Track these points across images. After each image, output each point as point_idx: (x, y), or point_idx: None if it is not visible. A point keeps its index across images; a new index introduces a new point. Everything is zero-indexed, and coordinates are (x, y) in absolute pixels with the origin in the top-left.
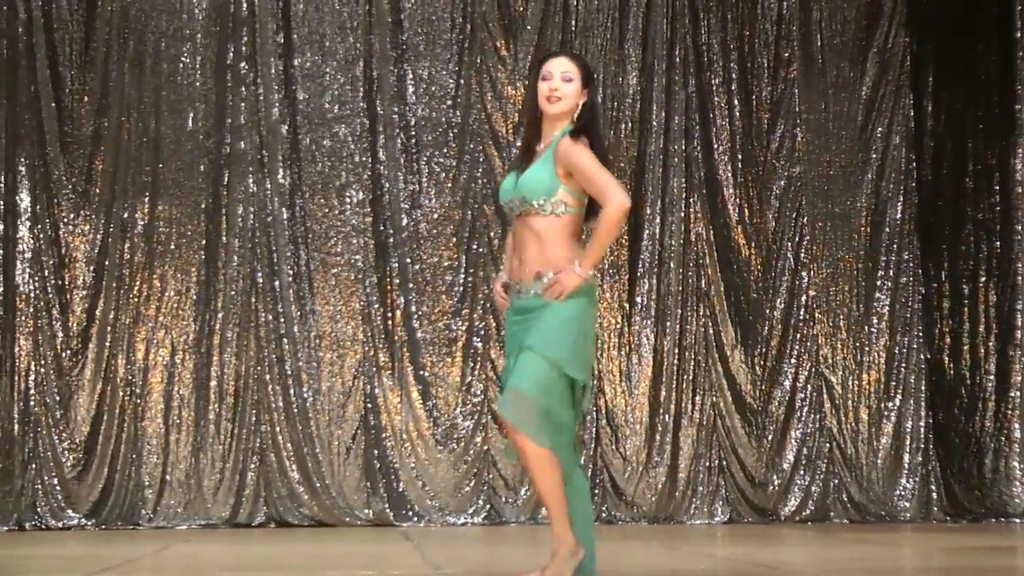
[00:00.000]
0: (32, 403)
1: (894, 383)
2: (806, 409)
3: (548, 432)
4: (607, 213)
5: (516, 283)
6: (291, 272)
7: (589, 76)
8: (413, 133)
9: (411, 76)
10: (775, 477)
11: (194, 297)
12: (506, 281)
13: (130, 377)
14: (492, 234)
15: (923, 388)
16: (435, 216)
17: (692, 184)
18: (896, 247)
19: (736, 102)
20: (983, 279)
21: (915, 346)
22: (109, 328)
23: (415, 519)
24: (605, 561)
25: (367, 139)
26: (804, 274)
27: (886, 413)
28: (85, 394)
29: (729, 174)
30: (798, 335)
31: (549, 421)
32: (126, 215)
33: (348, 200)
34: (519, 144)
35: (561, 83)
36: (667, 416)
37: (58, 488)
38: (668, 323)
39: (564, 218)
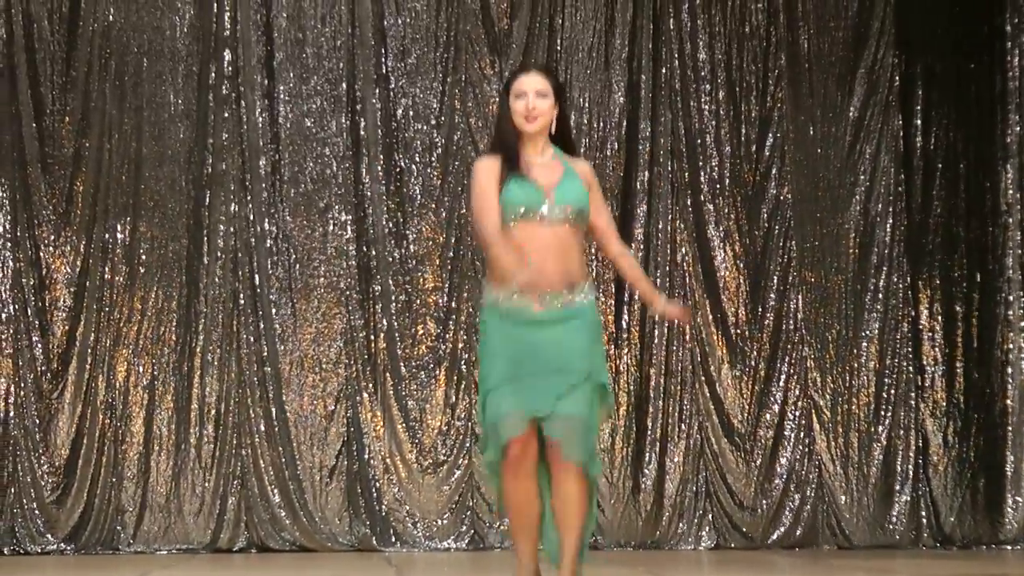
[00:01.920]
0: (11, 426)
1: (884, 408)
2: (795, 433)
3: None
4: (628, 255)
5: (536, 293)
6: (273, 294)
7: (560, 88)
8: (396, 153)
9: (394, 97)
10: (764, 502)
11: (175, 319)
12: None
13: (110, 400)
14: (475, 257)
15: (913, 413)
16: (419, 238)
17: (679, 205)
18: (886, 270)
19: (723, 123)
20: (976, 302)
21: (905, 370)
22: (89, 350)
23: (398, 544)
24: None
25: (350, 160)
26: (792, 297)
27: (876, 438)
28: (65, 417)
29: (716, 195)
30: (787, 358)
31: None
32: (107, 236)
33: (331, 222)
34: (497, 153)
35: (537, 100)
36: (653, 440)
37: (37, 512)
38: (655, 346)
39: (581, 232)
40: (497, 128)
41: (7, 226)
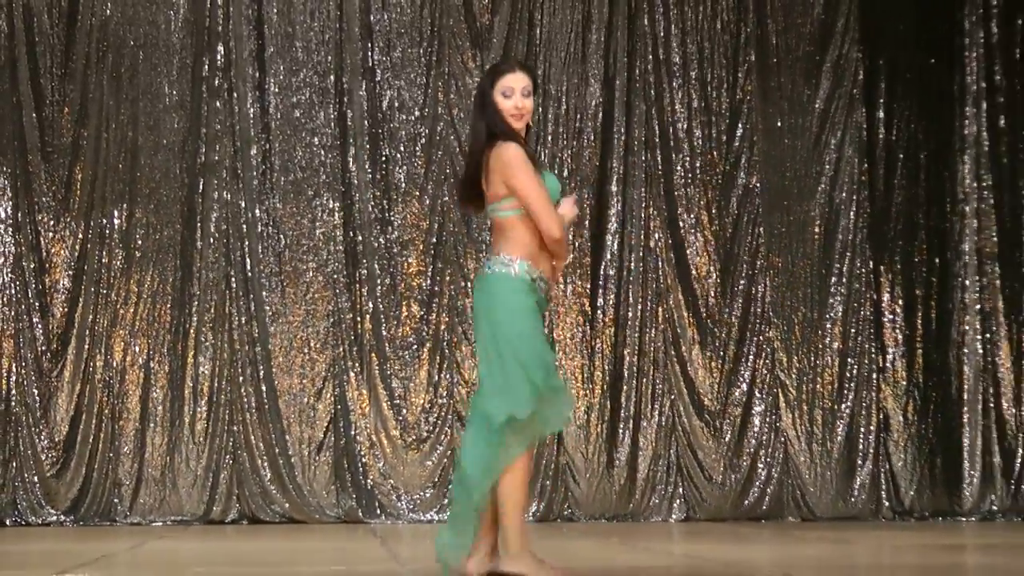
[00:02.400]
0: (13, 403)
1: (847, 386)
2: (762, 411)
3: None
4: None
5: (546, 278)
6: (264, 277)
7: (537, 85)
8: (382, 143)
9: (380, 89)
10: (732, 476)
11: (170, 301)
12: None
13: (108, 378)
14: (458, 242)
15: (875, 392)
16: (404, 224)
17: (652, 193)
18: (849, 255)
19: (695, 114)
20: (935, 287)
21: (867, 350)
22: (88, 331)
23: (383, 516)
24: (565, 558)
25: (338, 149)
26: (760, 281)
27: (839, 415)
28: (64, 394)
29: (688, 184)
30: (754, 339)
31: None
32: (104, 222)
33: (319, 208)
34: (523, 144)
35: (523, 99)
36: (627, 417)
37: (38, 485)
38: (628, 327)
39: None
40: (491, 119)
41: (8, 211)
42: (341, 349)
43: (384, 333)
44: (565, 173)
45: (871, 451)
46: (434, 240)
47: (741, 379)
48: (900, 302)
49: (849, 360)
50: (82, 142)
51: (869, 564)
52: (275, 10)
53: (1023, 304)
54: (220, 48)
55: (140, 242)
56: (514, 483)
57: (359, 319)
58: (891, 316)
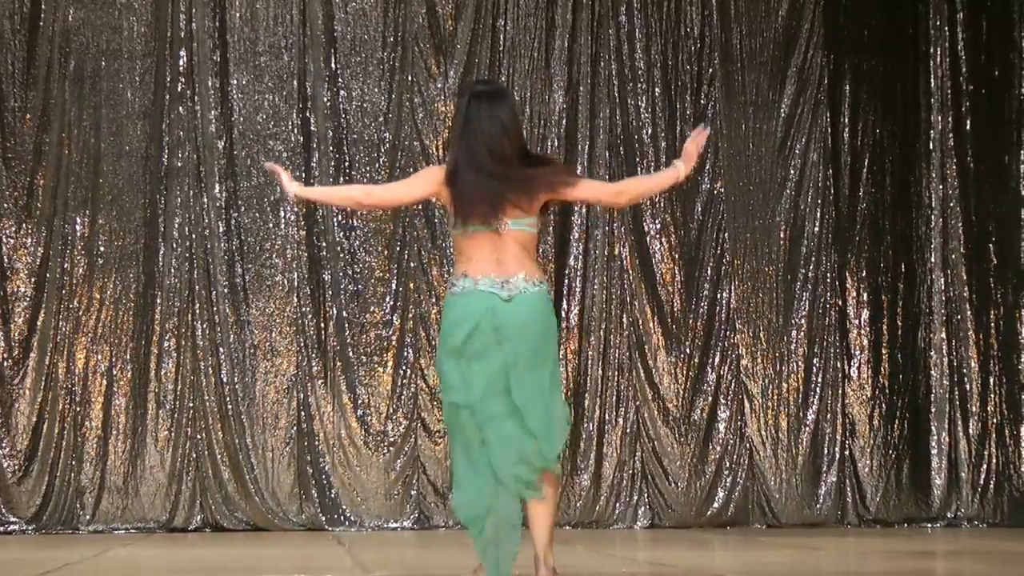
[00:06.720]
0: None
1: (812, 392)
2: (727, 417)
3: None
4: None
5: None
6: (227, 284)
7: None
8: (345, 149)
9: (344, 94)
10: (697, 483)
11: (133, 308)
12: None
13: (70, 385)
14: (421, 248)
15: (840, 397)
16: (366, 229)
17: None
18: (814, 260)
19: (659, 119)
20: (900, 292)
21: (833, 356)
22: (50, 338)
23: (347, 524)
24: (529, 566)
25: (301, 155)
26: (725, 286)
27: (804, 421)
28: (26, 402)
29: None
30: (720, 345)
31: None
32: (67, 228)
33: (282, 214)
34: None
35: None
36: (592, 424)
37: None
38: (592, 333)
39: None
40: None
41: None
42: (304, 356)
43: (348, 339)
44: None
45: (837, 457)
46: (398, 246)
47: (706, 385)
48: (866, 307)
49: (815, 366)
50: (44, 148)
51: (835, 571)
52: (238, 16)
53: (990, 309)
54: (183, 54)
55: (102, 249)
56: None
57: (322, 325)
58: (857, 321)
